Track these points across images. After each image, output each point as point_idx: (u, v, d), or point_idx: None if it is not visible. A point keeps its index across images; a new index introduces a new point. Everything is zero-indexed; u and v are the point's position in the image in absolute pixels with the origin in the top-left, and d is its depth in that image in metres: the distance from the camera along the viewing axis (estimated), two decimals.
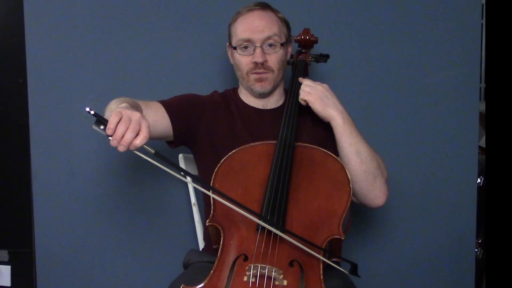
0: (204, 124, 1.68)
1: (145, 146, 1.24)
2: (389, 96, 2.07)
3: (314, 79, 1.67)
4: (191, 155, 1.76)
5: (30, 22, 1.93)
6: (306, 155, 1.54)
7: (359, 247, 2.07)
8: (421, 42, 2.06)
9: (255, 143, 1.57)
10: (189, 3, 1.99)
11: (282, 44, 1.65)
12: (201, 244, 1.79)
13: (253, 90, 1.68)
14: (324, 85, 1.62)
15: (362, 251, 2.08)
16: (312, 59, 1.79)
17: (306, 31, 1.79)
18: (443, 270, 2.12)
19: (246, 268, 1.32)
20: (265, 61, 1.63)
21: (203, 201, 1.73)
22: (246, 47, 1.64)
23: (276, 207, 1.41)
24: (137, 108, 1.46)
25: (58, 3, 1.95)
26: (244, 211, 1.32)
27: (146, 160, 1.24)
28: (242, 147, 1.56)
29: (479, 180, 2.32)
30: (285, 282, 1.31)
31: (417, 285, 2.13)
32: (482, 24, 2.19)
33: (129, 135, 1.22)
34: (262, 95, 1.70)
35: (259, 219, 1.36)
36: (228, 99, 1.74)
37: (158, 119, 1.60)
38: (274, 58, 1.64)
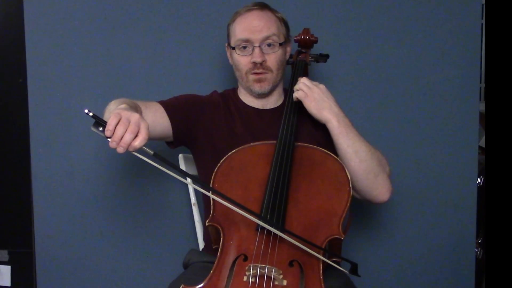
0: (204, 124, 1.68)
1: (144, 147, 1.24)
2: (389, 96, 2.07)
3: (314, 79, 1.67)
4: (191, 155, 1.76)
5: (30, 22, 1.93)
6: (306, 155, 1.54)
7: (359, 247, 2.07)
8: (421, 42, 2.06)
9: (254, 143, 1.57)
10: (188, 3, 1.99)
11: (280, 44, 1.65)
12: (201, 244, 1.79)
13: (252, 90, 1.68)
14: (321, 86, 1.60)
15: (362, 251, 2.08)
16: (312, 59, 1.79)
17: (306, 31, 1.79)
18: (443, 270, 2.12)
19: (246, 268, 1.32)
20: (264, 61, 1.63)
21: (203, 201, 1.73)
22: (245, 47, 1.64)
23: (275, 207, 1.41)
24: (136, 109, 1.46)
25: (58, 3, 1.95)
26: (244, 212, 1.32)
27: (145, 161, 1.24)
28: (242, 147, 1.56)
29: (479, 180, 2.32)
30: (285, 282, 1.31)
31: (417, 285, 2.13)
32: (482, 24, 2.19)
33: (128, 137, 1.22)
34: (261, 95, 1.69)
35: (259, 219, 1.36)
36: (228, 99, 1.74)
37: (157, 120, 1.60)
38: (273, 58, 1.64)
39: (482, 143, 2.43)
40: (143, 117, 1.42)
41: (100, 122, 1.23)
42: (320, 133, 1.66)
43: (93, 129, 1.23)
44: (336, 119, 1.57)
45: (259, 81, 1.65)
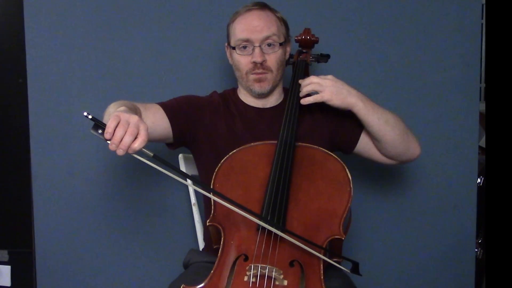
0: (204, 125, 1.68)
1: (143, 149, 1.24)
2: (389, 96, 2.07)
3: None
4: (191, 156, 1.76)
5: (30, 22, 1.93)
6: (306, 155, 1.54)
7: (359, 247, 2.07)
8: (421, 42, 2.06)
9: (255, 143, 1.57)
10: (188, 3, 1.99)
11: (281, 44, 1.65)
12: (201, 244, 1.79)
13: (252, 90, 1.67)
14: (329, 76, 1.59)
15: (362, 251, 2.08)
16: (313, 59, 1.79)
17: (307, 31, 1.78)
18: (443, 270, 2.12)
19: (247, 268, 1.32)
20: (264, 61, 1.62)
21: (203, 201, 1.73)
22: (245, 47, 1.64)
23: (276, 207, 1.41)
24: (135, 111, 1.46)
25: (58, 3, 1.95)
26: (245, 212, 1.32)
27: (145, 162, 1.24)
28: (242, 147, 1.56)
29: (479, 180, 2.32)
30: (285, 282, 1.31)
31: (417, 285, 2.13)
32: (482, 24, 2.19)
33: (127, 139, 1.21)
34: (261, 95, 1.69)
35: (260, 220, 1.36)
36: (228, 99, 1.74)
37: (157, 121, 1.60)
38: (273, 58, 1.64)
39: (482, 143, 2.43)
40: (143, 119, 1.43)
41: (99, 125, 1.22)
42: (321, 133, 1.67)
43: (93, 131, 1.23)
44: (360, 100, 1.58)
45: (259, 81, 1.65)
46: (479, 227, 2.20)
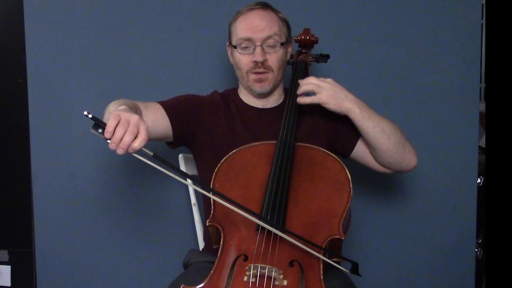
0: (204, 125, 1.68)
1: (143, 148, 1.24)
2: (389, 96, 2.07)
3: None
4: (191, 155, 1.76)
5: (30, 22, 1.93)
6: (306, 155, 1.54)
7: (359, 247, 2.07)
8: (421, 42, 2.06)
9: (255, 143, 1.57)
10: (189, 3, 1.99)
11: (282, 44, 1.65)
12: (201, 244, 1.79)
13: (252, 90, 1.68)
14: (328, 79, 1.59)
15: (362, 251, 2.08)
16: (313, 59, 1.79)
17: (307, 31, 1.78)
18: (443, 270, 2.12)
19: (246, 268, 1.32)
20: (265, 60, 1.63)
21: (203, 201, 1.73)
22: (246, 46, 1.64)
23: (276, 207, 1.41)
24: (136, 110, 1.46)
25: (58, 3, 1.95)
26: (244, 212, 1.32)
27: (145, 162, 1.24)
28: (242, 147, 1.56)
29: (479, 180, 2.32)
30: (285, 282, 1.31)
31: (417, 285, 2.13)
32: (482, 24, 2.19)
33: (127, 138, 1.21)
34: (262, 95, 1.69)
35: (259, 220, 1.36)
36: (228, 99, 1.74)
37: (157, 120, 1.60)
38: (274, 58, 1.64)
39: (482, 143, 2.43)
40: (143, 118, 1.43)
41: (99, 124, 1.23)
42: (321, 133, 1.67)
43: (93, 131, 1.23)
44: (356, 106, 1.58)
45: (259, 81, 1.65)
46: (479, 227, 2.20)
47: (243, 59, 1.65)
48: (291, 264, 1.35)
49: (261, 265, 1.32)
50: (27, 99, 1.95)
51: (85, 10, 1.95)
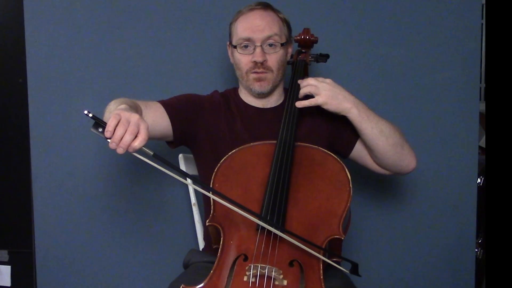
0: (204, 124, 1.68)
1: (144, 148, 1.24)
2: (389, 96, 2.07)
3: None
4: (191, 155, 1.76)
5: (30, 22, 1.93)
6: (306, 155, 1.54)
7: (359, 247, 2.07)
8: (421, 42, 2.06)
9: (255, 143, 1.57)
10: (189, 3, 1.99)
11: (282, 45, 1.65)
12: (201, 244, 1.79)
13: (252, 89, 1.68)
14: (328, 80, 1.59)
15: (362, 251, 2.08)
16: (312, 59, 1.79)
17: (306, 31, 1.78)
18: (443, 270, 2.12)
19: (246, 268, 1.32)
20: (265, 60, 1.63)
21: (203, 201, 1.73)
22: (246, 46, 1.64)
23: (276, 207, 1.41)
24: (136, 109, 1.46)
25: (58, 3, 1.95)
26: (244, 212, 1.32)
27: (145, 161, 1.24)
28: (242, 147, 1.56)
29: (479, 180, 2.32)
30: (285, 282, 1.31)
31: (417, 285, 2.13)
32: (482, 24, 2.19)
33: (127, 138, 1.21)
34: (261, 95, 1.69)
35: (259, 220, 1.36)
36: (228, 98, 1.74)
37: (157, 119, 1.60)
38: (274, 58, 1.64)
39: (482, 143, 2.43)
40: (143, 117, 1.43)
41: (99, 123, 1.23)
42: (321, 133, 1.67)
43: (93, 130, 1.23)
44: (355, 107, 1.57)
45: (259, 80, 1.65)
46: (479, 227, 2.20)
47: (243, 59, 1.65)
48: (291, 264, 1.35)
49: (261, 265, 1.32)
50: (27, 99, 1.95)
51: (85, 10, 1.95)
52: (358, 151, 1.68)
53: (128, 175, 1.99)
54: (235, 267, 1.34)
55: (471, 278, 2.13)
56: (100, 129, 1.23)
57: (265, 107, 1.72)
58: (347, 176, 1.49)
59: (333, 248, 1.43)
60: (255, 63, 1.63)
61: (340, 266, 1.41)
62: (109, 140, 1.22)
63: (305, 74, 1.75)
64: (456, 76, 2.07)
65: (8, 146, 2.12)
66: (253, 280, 1.30)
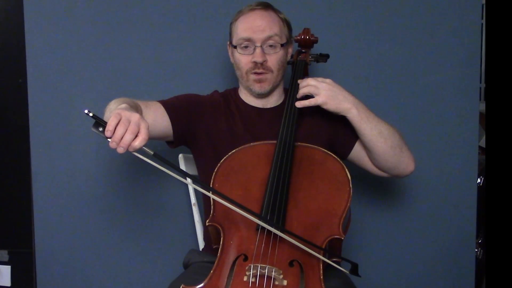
0: (204, 124, 1.68)
1: (144, 147, 1.24)
2: (389, 96, 2.07)
3: None
4: (191, 155, 1.76)
5: (30, 22, 1.93)
6: (306, 155, 1.54)
7: (359, 247, 2.07)
8: (421, 42, 2.06)
9: (255, 143, 1.57)
10: (189, 3, 1.99)
11: (282, 45, 1.65)
12: (201, 244, 1.79)
13: (252, 90, 1.68)
14: (328, 80, 1.59)
15: (362, 251, 2.08)
16: (312, 59, 1.79)
17: (306, 31, 1.78)
18: (443, 270, 2.12)
19: (246, 268, 1.32)
20: (265, 61, 1.63)
21: (203, 201, 1.73)
22: (246, 46, 1.64)
23: (276, 207, 1.41)
24: (136, 108, 1.46)
25: (58, 3, 1.95)
26: (244, 212, 1.32)
27: (145, 161, 1.24)
28: (242, 147, 1.56)
29: (479, 180, 2.32)
30: (285, 282, 1.31)
31: (417, 285, 2.13)
32: (482, 24, 2.19)
33: (128, 137, 1.21)
34: (261, 95, 1.69)
35: (259, 220, 1.36)
36: (228, 98, 1.74)
37: (157, 119, 1.60)
38: (274, 59, 1.64)
39: (482, 143, 2.43)
40: (144, 116, 1.43)
41: (100, 123, 1.23)
42: (321, 133, 1.66)
43: (93, 129, 1.23)
44: (354, 107, 1.58)
45: (259, 81, 1.65)
46: (479, 227, 2.20)
47: (242, 59, 1.65)
48: (291, 264, 1.35)
49: (261, 265, 1.32)
50: (27, 99, 1.95)
51: (85, 10, 1.95)
52: (357, 153, 1.68)
53: (128, 175, 1.99)
54: (235, 267, 1.34)
55: (471, 278, 2.13)
56: (101, 129, 1.23)
57: (265, 107, 1.72)
58: (347, 176, 1.49)
59: (333, 248, 1.43)
60: (255, 63, 1.63)
61: (340, 266, 1.41)
62: (109, 140, 1.22)
63: (305, 74, 1.75)
64: (456, 76, 2.07)
65: (8, 146, 2.12)
66: (253, 280, 1.30)
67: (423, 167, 2.05)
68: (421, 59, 2.06)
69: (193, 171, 1.80)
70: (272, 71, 1.65)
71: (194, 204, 1.83)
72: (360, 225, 2.06)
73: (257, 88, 1.66)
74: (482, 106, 2.24)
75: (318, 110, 1.63)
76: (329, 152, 1.55)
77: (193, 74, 2.00)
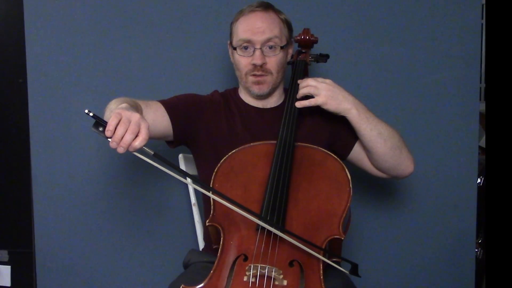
0: (204, 124, 1.68)
1: (144, 147, 1.24)
2: (389, 96, 2.07)
3: None
4: (191, 155, 1.76)
5: (30, 22, 1.93)
6: (306, 155, 1.54)
7: (359, 247, 2.07)
8: (421, 42, 2.06)
9: (255, 143, 1.57)
10: (189, 3, 1.99)
11: (282, 47, 1.64)
12: (201, 244, 1.79)
13: (251, 91, 1.67)
14: (327, 80, 1.59)
15: (362, 251, 2.08)
16: (312, 59, 1.79)
17: (306, 31, 1.78)
18: (443, 270, 2.12)
19: (246, 268, 1.32)
20: (264, 63, 1.62)
21: (203, 201, 1.73)
22: (246, 48, 1.63)
23: (276, 207, 1.41)
24: (137, 108, 1.46)
25: (58, 3, 1.95)
26: (244, 212, 1.32)
27: (145, 161, 1.24)
28: (242, 147, 1.56)
29: (479, 180, 2.32)
30: (285, 282, 1.31)
31: (417, 285, 2.13)
32: (482, 24, 2.19)
33: (128, 137, 1.21)
34: (261, 97, 1.69)
35: (259, 220, 1.36)
36: (228, 98, 1.74)
37: (158, 119, 1.60)
38: (273, 61, 1.63)
39: (482, 143, 2.43)
40: (144, 116, 1.43)
41: (100, 122, 1.23)
42: (321, 133, 1.66)
43: (93, 129, 1.23)
44: (354, 107, 1.57)
45: (258, 83, 1.65)
46: (479, 227, 2.20)
47: (242, 61, 1.65)
48: (291, 264, 1.35)
49: (261, 265, 1.32)
50: (27, 99, 1.95)
51: (85, 10, 1.95)
52: (356, 153, 1.68)
53: (128, 175, 1.99)
54: (235, 267, 1.34)
55: (471, 278, 2.13)
56: (101, 128, 1.23)
57: (265, 107, 1.72)
58: (347, 176, 1.49)
59: (333, 248, 1.43)
60: (255, 65, 1.62)
61: (340, 266, 1.41)
62: (109, 140, 1.22)
63: (305, 74, 1.75)
64: (456, 76, 2.07)
65: (8, 146, 2.12)
66: (253, 280, 1.30)
67: (423, 167, 2.05)
68: (421, 59, 2.07)
69: (193, 171, 1.80)
70: (271, 73, 1.65)
71: (194, 204, 1.83)
72: (360, 225, 2.06)
73: (256, 90, 1.66)
74: (482, 106, 2.24)
75: (318, 110, 1.63)
76: (329, 152, 1.55)
77: (193, 74, 2.00)
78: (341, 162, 1.53)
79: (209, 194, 1.38)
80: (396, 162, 1.63)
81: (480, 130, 2.15)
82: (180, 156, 1.86)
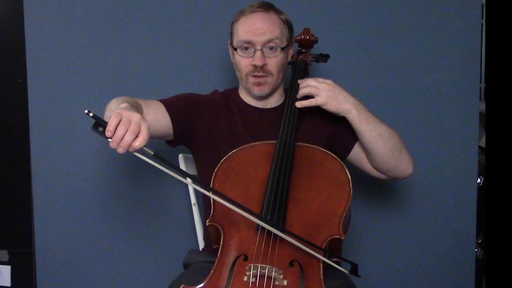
0: (204, 124, 1.68)
1: (144, 147, 1.24)
2: (389, 96, 2.07)
3: None
4: (191, 155, 1.76)
5: (30, 22, 1.93)
6: (306, 155, 1.54)
7: (359, 247, 2.07)
8: (421, 42, 2.06)
9: (255, 143, 1.57)
10: (189, 3, 1.99)
11: (282, 48, 1.64)
12: (201, 244, 1.79)
13: (251, 92, 1.67)
14: (328, 81, 1.59)
15: (362, 251, 2.08)
16: (312, 59, 1.79)
17: (306, 31, 1.78)
18: (443, 270, 2.12)
19: (246, 268, 1.32)
20: (265, 64, 1.62)
21: (203, 201, 1.73)
22: (246, 48, 1.63)
23: (276, 207, 1.41)
24: (137, 107, 1.46)
25: (58, 3, 1.95)
26: (244, 212, 1.32)
27: (146, 161, 1.24)
28: (242, 147, 1.56)
29: (479, 180, 2.32)
30: (285, 282, 1.31)
31: (417, 285, 2.13)
32: (482, 24, 2.19)
33: (128, 137, 1.21)
34: (261, 98, 1.69)
35: (259, 220, 1.36)
36: (229, 98, 1.74)
37: (158, 118, 1.60)
38: (274, 62, 1.63)
39: (482, 143, 2.43)
40: (144, 115, 1.43)
41: (100, 123, 1.23)
42: (321, 133, 1.66)
43: (93, 129, 1.23)
44: (355, 108, 1.58)
45: (258, 84, 1.65)
46: (479, 227, 2.20)
47: (242, 62, 1.64)
48: (291, 264, 1.35)
49: (261, 265, 1.32)
50: (27, 99, 1.95)
51: (85, 10, 1.95)
52: (356, 154, 1.68)
53: (128, 175, 1.99)
54: (235, 267, 1.34)
55: (471, 278, 2.13)
56: (101, 129, 1.22)
57: (265, 107, 1.72)
58: (347, 176, 1.49)
59: (333, 248, 1.43)
60: (255, 66, 1.62)
61: (340, 266, 1.41)
62: (109, 140, 1.22)
63: (305, 74, 1.75)
64: (456, 76, 2.08)
65: (8, 146, 2.12)
66: (253, 280, 1.30)
67: (423, 167, 2.05)
68: (421, 59, 2.07)
69: (193, 171, 1.80)
70: (272, 74, 1.64)
71: (194, 204, 1.83)
72: (360, 225, 2.06)
73: (256, 91, 1.66)
74: (482, 106, 2.24)
75: (318, 111, 1.63)
76: (329, 152, 1.55)
77: (193, 74, 2.00)
78: (341, 162, 1.53)
79: (209, 194, 1.38)
80: (395, 164, 1.63)
81: (480, 130, 2.15)
82: (180, 156, 1.86)
